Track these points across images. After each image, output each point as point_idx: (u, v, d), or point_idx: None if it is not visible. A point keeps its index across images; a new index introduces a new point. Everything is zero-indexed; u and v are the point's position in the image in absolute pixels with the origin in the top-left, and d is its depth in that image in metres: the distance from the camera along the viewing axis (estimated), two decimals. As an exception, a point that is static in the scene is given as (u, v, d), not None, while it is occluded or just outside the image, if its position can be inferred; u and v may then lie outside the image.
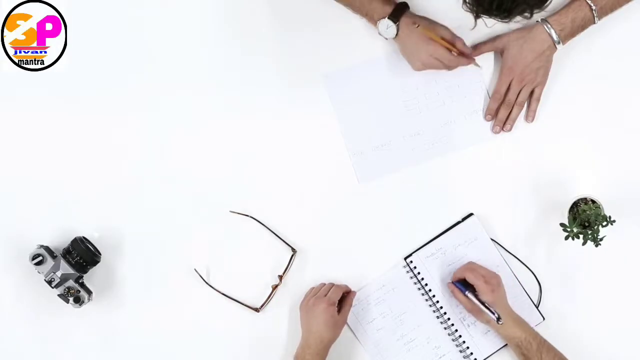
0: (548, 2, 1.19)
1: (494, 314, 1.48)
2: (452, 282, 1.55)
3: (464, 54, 1.54)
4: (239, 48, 1.62)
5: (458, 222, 1.59)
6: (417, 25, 1.51)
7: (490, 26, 1.28)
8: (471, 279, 1.51)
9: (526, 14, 1.18)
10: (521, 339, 1.49)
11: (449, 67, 1.54)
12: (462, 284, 1.53)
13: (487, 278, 1.50)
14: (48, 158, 1.61)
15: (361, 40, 1.59)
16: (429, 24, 1.53)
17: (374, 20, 1.53)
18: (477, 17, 1.18)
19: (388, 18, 1.51)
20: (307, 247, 1.60)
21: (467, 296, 1.51)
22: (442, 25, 1.54)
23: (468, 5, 1.17)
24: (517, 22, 1.19)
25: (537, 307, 1.57)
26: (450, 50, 1.53)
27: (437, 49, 1.52)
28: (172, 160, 1.61)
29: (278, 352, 1.59)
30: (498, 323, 1.48)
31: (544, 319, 1.57)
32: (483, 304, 1.49)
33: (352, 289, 1.58)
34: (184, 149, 1.61)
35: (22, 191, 1.61)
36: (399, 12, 1.51)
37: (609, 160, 1.59)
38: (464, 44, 1.54)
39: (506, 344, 1.55)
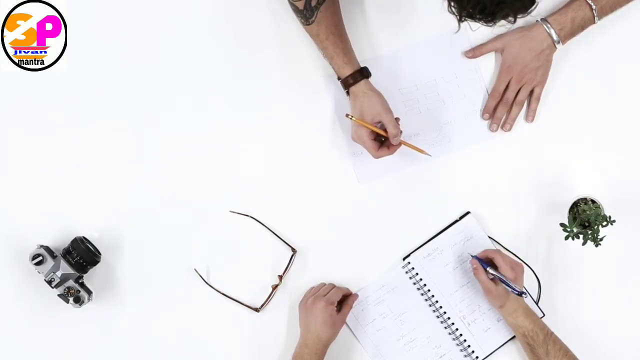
0: (532, 8, 1.17)
1: (517, 291, 1.47)
2: (477, 258, 1.53)
3: (392, 146, 1.51)
4: (239, 48, 1.62)
5: (455, 221, 1.59)
6: (350, 117, 1.50)
7: (474, 30, 1.27)
8: (499, 262, 1.50)
9: (510, 19, 1.16)
10: (528, 329, 1.49)
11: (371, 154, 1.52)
12: (486, 264, 1.52)
13: (513, 265, 1.50)
14: (48, 158, 1.61)
15: (361, 42, 1.59)
16: (370, 108, 1.50)
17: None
18: (460, 20, 1.19)
19: (341, 83, 1.53)
20: (307, 247, 1.60)
21: (489, 272, 1.50)
22: (386, 111, 1.49)
23: (453, 8, 1.18)
24: (502, 26, 1.18)
25: (536, 303, 1.58)
26: (381, 136, 1.51)
27: (362, 135, 1.50)
28: (172, 160, 1.61)
29: (278, 352, 1.59)
30: (522, 297, 1.48)
31: (544, 314, 1.57)
32: (507, 284, 1.48)
33: (354, 292, 1.58)
34: (184, 148, 1.61)
35: (22, 191, 1.60)
36: (350, 81, 1.51)
37: (609, 160, 1.59)
38: (396, 136, 1.49)
39: (507, 341, 1.56)
